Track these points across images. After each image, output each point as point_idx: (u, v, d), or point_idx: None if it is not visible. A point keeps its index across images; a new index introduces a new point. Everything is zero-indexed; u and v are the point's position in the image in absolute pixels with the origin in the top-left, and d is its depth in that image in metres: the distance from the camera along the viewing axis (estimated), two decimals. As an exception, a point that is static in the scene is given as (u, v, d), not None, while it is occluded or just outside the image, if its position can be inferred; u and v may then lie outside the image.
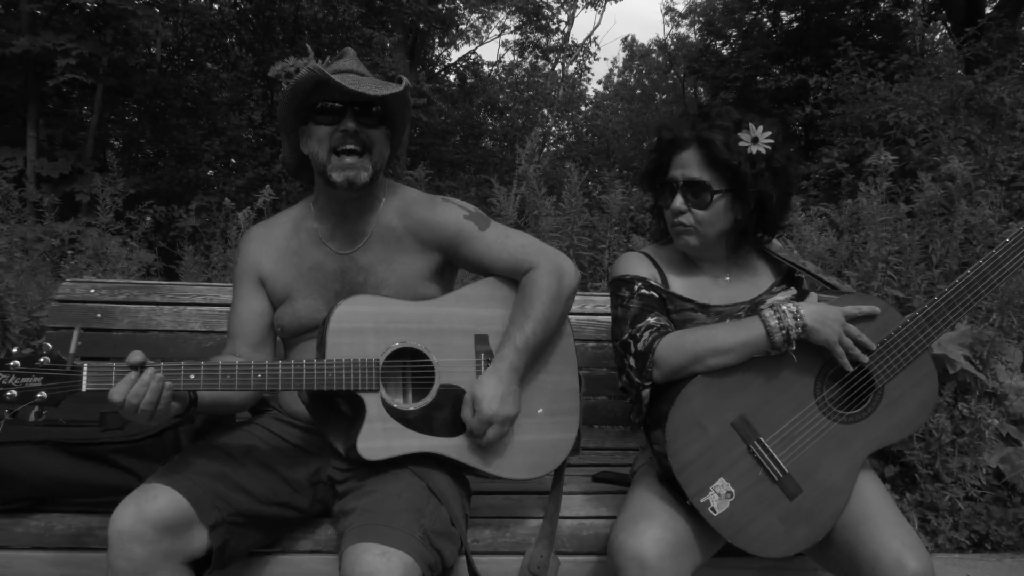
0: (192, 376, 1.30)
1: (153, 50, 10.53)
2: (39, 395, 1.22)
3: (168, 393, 1.26)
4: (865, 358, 1.43)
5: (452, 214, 1.58)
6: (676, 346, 1.45)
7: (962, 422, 2.73)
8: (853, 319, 1.44)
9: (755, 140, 1.50)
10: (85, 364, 1.25)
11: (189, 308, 2.06)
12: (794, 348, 1.42)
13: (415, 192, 1.66)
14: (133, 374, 1.24)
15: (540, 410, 1.55)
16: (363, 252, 1.57)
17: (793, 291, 1.62)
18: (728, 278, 1.63)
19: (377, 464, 1.41)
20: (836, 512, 1.41)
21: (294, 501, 1.48)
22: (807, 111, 7.80)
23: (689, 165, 1.53)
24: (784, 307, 1.42)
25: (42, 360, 1.22)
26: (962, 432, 2.72)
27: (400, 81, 1.50)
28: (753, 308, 1.55)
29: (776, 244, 1.69)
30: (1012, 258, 1.48)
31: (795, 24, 13.11)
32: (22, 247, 4.86)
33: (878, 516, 1.37)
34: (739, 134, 1.50)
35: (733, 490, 1.40)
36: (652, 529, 1.35)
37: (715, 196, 1.51)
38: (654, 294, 1.58)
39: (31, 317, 3.42)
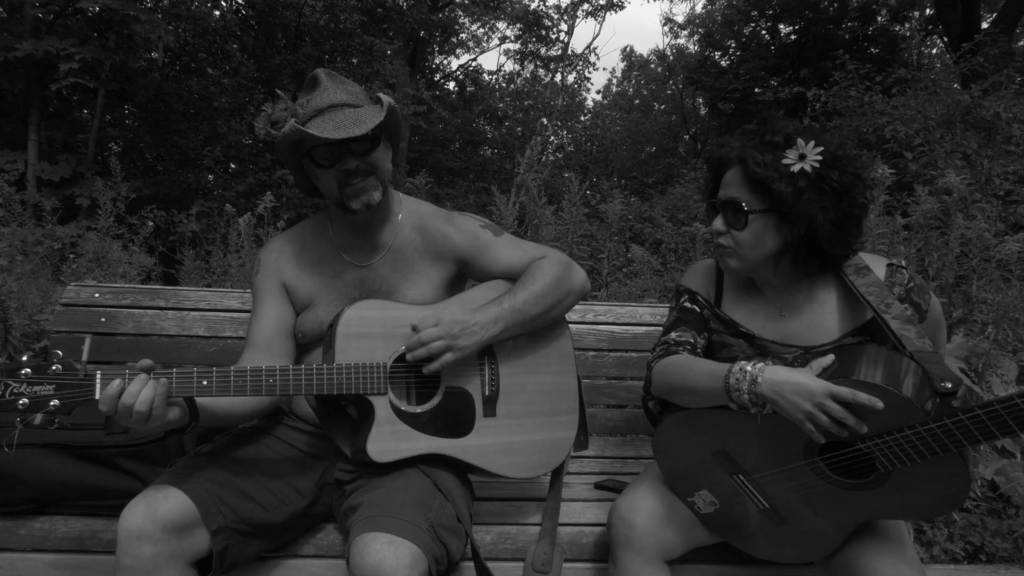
0: (204, 382, 1.29)
1: (155, 55, 10.57)
2: (52, 403, 1.19)
3: (161, 399, 1.23)
4: (844, 433, 1.22)
5: (469, 225, 1.64)
6: (664, 371, 1.45)
7: (958, 434, 2.75)
8: (844, 402, 1.21)
9: (801, 157, 1.34)
10: (98, 372, 1.23)
11: (193, 313, 2.08)
12: (760, 412, 1.28)
13: (430, 206, 1.71)
14: (118, 381, 1.22)
15: (539, 410, 1.59)
16: (381, 263, 1.62)
17: (831, 359, 1.30)
18: (784, 315, 1.48)
19: (386, 466, 1.43)
20: (824, 551, 1.41)
21: (300, 506, 1.50)
22: (805, 124, 7.86)
23: (731, 184, 1.42)
24: (748, 368, 1.27)
25: (54, 368, 1.20)
26: (958, 444, 2.74)
27: (379, 101, 1.51)
28: (806, 358, 1.35)
29: (875, 275, 1.42)
30: None
31: (793, 37, 13.21)
32: (22, 250, 4.88)
33: (878, 530, 1.39)
34: (787, 151, 1.35)
35: (717, 502, 1.45)
36: (646, 500, 1.45)
37: (750, 217, 1.38)
38: (696, 308, 1.55)
39: (32, 320, 3.43)
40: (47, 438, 1.53)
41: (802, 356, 1.42)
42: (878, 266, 1.45)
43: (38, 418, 1.19)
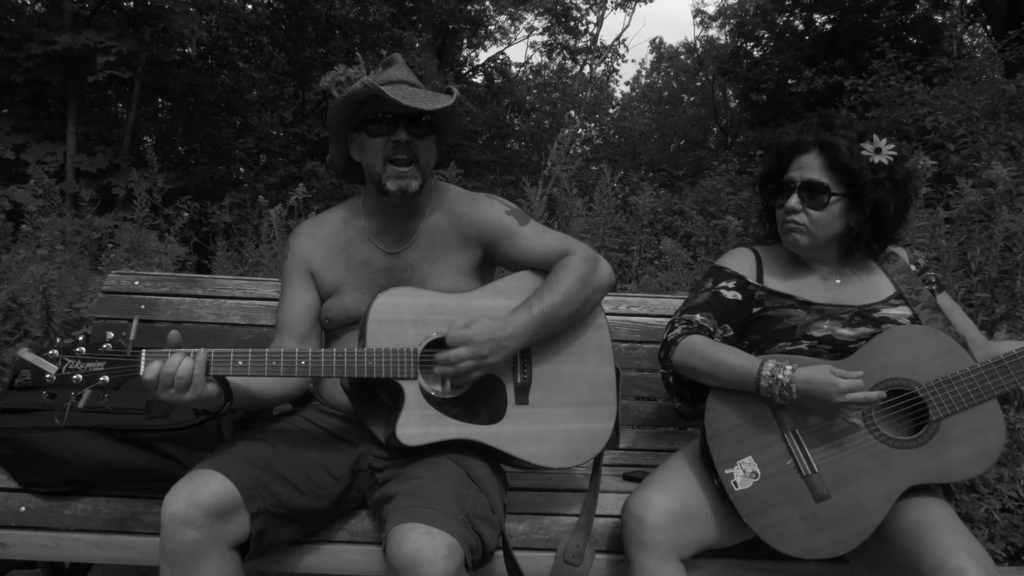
0: (240, 362, 1.33)
1: (189, 49, 10.74)
2: (102, 379, 1.28)
3: (201, 366, 1.30)
4: (861, 424, 1.43)
5: (494, 210, 1.63)
6: (690, 352, 1.52)
7: (1000, 432, 2.68)
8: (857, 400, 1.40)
9: (878, 151, 1.54)
10: (144, 350, 1.30)
11: (229, 302, 2.10)
12: (781, 403, 1.46)
13: (457, 189, 1.71)
14: (160, 361, 1.29)
15: (573, 400, 1.58)
16: (410, 251, 1.62)
17: (909, 311, 1.57)
18: (838, 280, 1.64)
19: (416, 451, 1.43)
20: (862, 533, 1.40)
21: (334, 490, 1.51)
22: (842, 114, 7.69)
23: (809, 167, 1.56)
24: (784, 372, 1.42)
25: (105, 347, 1.29)
26: (1000, 443, 2.67)
27: (451, 92, 1.54)
28: (863, 314, 1.55)
29: (902, 260, 1.66)
30: None
31: (828, 26, 12.93)
32: (62, 240, 5.00)
33: (945, 526, 1.34)
34: (862, 144, 1.54)
35: (759, 472, 1.45)
36: (658, 496, 1.46)
37: (832, 199, 1.55)
38: (736, 296, 1.61)
39: (72, 308, 3.51)
40: (91, 421, 1.57)
41: (856, 315, 1.55)
42: (901, 252, 1.67)
43: (86, 393, 1.28)
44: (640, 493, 1.49)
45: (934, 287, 1.63)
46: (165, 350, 1.30)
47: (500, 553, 1.45)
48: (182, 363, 1.28)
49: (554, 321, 1.51)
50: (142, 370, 1.28)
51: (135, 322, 1.38)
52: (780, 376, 1.41)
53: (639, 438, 2.12)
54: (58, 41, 7.94)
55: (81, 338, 1.28)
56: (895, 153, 1.54)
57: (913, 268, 1.64)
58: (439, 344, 1.48)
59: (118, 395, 1.66)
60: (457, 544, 1.25)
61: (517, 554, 1.48)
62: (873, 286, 1.62)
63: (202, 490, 1.31)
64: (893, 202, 1.55)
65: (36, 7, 9.25)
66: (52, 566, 1.79)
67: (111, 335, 1.30)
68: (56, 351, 1.27)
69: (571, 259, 1.57)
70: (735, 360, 1.47)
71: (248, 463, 1.40)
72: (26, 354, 1.26)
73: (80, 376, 1.27)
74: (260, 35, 11.93)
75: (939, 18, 11.98)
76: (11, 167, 7.94)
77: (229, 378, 1.37)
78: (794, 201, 1.57)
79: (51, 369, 1.26)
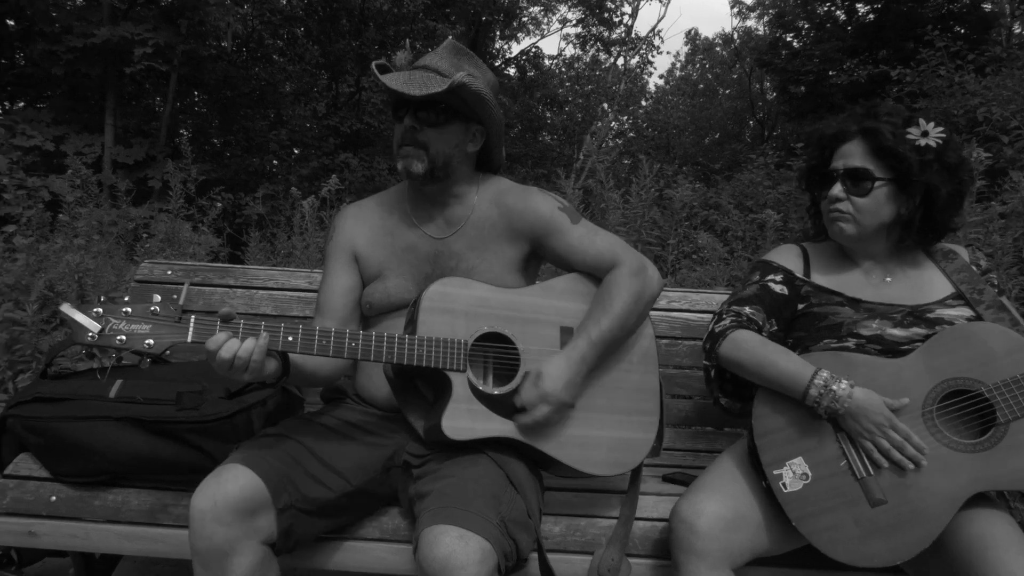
0: (291, 338, 1.29)
1: (224, 43, 10.86)
2: (146, 342, 1.21)
3: (263, 344, 1.25)
4: (908, 464, 1.35)
5: (546, 204, 1.58)
6: (737, 346, 1.47)
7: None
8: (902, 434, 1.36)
9: (924, 134, 1.46)
10: (192, 316, 1.24)
11: (261, 292, 2.08)
12: (824, 417, 1.41)
13: (508, 182, 1.66)
14: (225, 334, 1.24)
15: (617, 407, 1.52)
16: (457, 238, 1.58)
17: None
18: (889, 279, 1.56)
19: (457, 447, 1.39)
20: (921, 540, 1.32)
21: (367, 486, 1.47)
22: (887, 103, 7.45)
23: (852, 155, 1.51)
24: (840, 384, 1.37)
25: (153, 309, 1.22)
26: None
27: (450, 76, 1.45)
28: (916, 314, 1.48)
29: (962, 259, 1.57)
30: None
31: (871, 16, 12.57)
32: (99, 230, 5.08)
33: (1011, 545, 1.27)
34: (908, 128, 1.47)
35: (810, 474, 1.38)
36: (710, 501, 1.39)
37: (876, 184, 1.48)
38: (783, 291, 1.57)
39: (107, 297, 3.55)
40: (121, 412, 1.55)
41: (909, 315, 1.48)
42: (961, 251, 1.59)
43: (131, 357, 1.20)
44: (690, 498, 1.42)
45: (995, 290, 1.53)
46: (214, 318, 1.25)
47: (535, 555, 1.40)
48: (244, 344, 1.23)
49: (612, 343, 1.49)
50: (189, 337, 1.22)
51: (186, 286, 1.29)
52: (835, 387, 1.36)
53: (677, 438, 2.05)
54: (96, 34, 8.08)
55: (127, 298, 1.20)
56: (944, 135, 1.45)
57: (974, 269, 1.55)
58: (489, 338, 1.45)
59: (149, 386, 1.65)
60: (491, 549, 1.20)
61: (552, 556, 1.43)
62: (927, 285, 1.54)
63: (230, 485, 1.28)
64: (944, 186, 1.46)
65: (76, 1, 9.43)
66: (82, 556, 1.79)
67: (158, 298, 1.22)
68: (100, 309, 1.19)
69: (620, 274, 1.51)
70: (785, 363, 1.41)
71: (276, 459, 1.36)
72: (69, 310, 1.18)
73: (124, 337, 1.19)
74: (294, 27, 12.02)
75: (988, 6, 11.55)
76: (51, 158, 8.12)
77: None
78: (837, 189, 1.51)
79: (94, 328, 1.18)
